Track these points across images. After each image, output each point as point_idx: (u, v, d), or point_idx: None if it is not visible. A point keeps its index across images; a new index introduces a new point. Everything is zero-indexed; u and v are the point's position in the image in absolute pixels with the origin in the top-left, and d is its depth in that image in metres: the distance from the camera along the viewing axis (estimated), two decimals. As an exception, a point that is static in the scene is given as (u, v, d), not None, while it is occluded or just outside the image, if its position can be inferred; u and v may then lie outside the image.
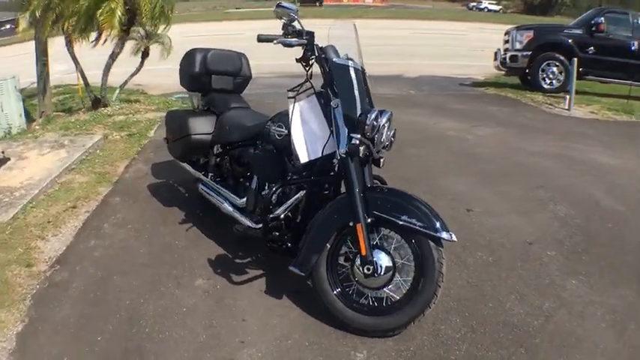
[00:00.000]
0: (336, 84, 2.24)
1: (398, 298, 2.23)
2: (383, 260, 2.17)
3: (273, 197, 2.46)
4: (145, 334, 2.24)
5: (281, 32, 2.32)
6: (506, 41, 9.37)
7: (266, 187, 2.68)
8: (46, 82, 6.50)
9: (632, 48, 8.19)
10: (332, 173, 2.41)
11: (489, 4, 55.90)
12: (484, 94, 8.82)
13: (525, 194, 3.85)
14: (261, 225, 2.55)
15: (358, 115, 2.21)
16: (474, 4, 57.18)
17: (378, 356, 2.11)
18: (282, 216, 2.42)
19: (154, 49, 6.70)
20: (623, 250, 3.04)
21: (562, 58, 8.36)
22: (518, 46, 8.86)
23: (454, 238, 2.10)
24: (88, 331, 2.27)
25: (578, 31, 8.61)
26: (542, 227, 3.29)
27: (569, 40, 8.47)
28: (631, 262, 2.90)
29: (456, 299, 2.48)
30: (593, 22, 8.50)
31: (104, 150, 4.83)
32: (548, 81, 8.59)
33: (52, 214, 3.45)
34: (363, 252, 2.14)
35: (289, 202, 2.42)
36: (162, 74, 8.32)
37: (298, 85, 2.37)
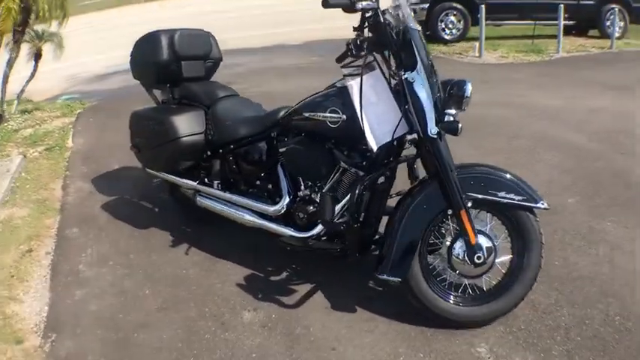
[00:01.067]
0: (416, 52, 1.87)
1: (496, 281, 2.04)
2: (484, 243, 1.94)
3: (330, 200, 2.06)
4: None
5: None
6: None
7: (302, 187, 2.25)
8: None
9: None
10: (391, 158, 2.09)
11: None
12: None
13: (507, 146, 3.86)
14: (312, 232, 2.15)
15: (449, 87, 1.90)
16: None
17: (498, 345, 1.91)
18: (341, 217, 2.05)
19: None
20: (626, 186, 3.16)
21: (459, 6, 8.60)
22: None
23: (548, 206, 1.95)
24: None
25: None
26: (543, 176, 3.31)
27: None
28: (635, 194, 3.04)
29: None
30: None
31: (29, 172, 3.90)
32: (447, 31, 8.80)
33: (9, 264, 2.66)
34: (473, 240, 1.89)
35: (346, 199, 2.06)
36: (37, 77, 7.10)
37: (347, 55, 1.95)
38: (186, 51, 2.72)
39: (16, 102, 5.59)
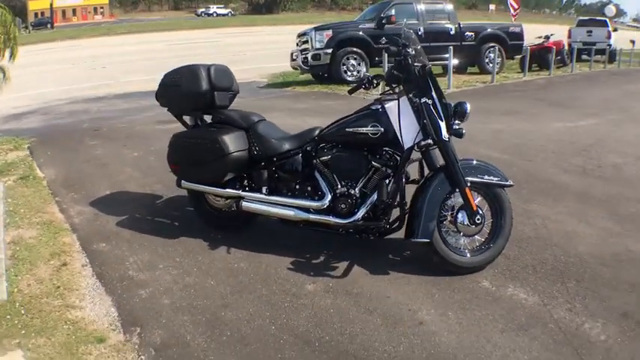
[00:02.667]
0: (431, 84, 2.74)
1: (484, 239, 2.91)
2: (480, 211, 2.82)
3: (361, 190, 2.85)
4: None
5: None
6: (305, 42, 10.38)
7: (339, 185, 2.94)
8: None
9: (420, 32, 10.19)
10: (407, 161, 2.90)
11: (218, 8, 58.17)
12: (300, 92, 9.72)
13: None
14: (355, 217, 2.85)
15: (455, 106, 2.79)
16: (203, 10, 58.88)
17: (495, 280, 2.76)
18: (383, 202, 2.80)
19: None
20: (539, 180, 4.33)
21: (359, 51, 9.89)
22: (319, 45, 9.97)
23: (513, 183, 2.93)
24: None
25: (370, 25, 10.22)
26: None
27: (362, 34, 10.02)
28: (548, 186, 4.21)
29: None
30: (383, 14, 10.14)
31: (15, 198, 3.95)
32: (349, 73, 10.03)
33: (46, 278, 2.85)
34: (474, 208, 2.77)
35: (383, 190, 2.80)
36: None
37: (358, 88, 2.89)
38: (219, 82, 3.25)
39: None
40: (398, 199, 2.89)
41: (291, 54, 11.11)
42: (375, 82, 2.88)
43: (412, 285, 2.74)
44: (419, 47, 2.85)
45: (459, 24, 11.08)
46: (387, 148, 2.88)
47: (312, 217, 2.97)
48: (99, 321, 2.52)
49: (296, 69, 11.21)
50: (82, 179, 4.47)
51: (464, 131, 2.80)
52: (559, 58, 14.12)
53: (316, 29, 10.25)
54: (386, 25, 10.08)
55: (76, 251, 3.20)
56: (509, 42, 11.74)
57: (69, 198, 4.06)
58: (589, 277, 2.77)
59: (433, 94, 2.75)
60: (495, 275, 2.82)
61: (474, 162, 2.89)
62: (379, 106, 2.86)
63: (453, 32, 10.90)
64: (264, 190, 3.12)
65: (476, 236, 2.89)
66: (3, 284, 2.70)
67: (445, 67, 9.94)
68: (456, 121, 2.80)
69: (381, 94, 2.94)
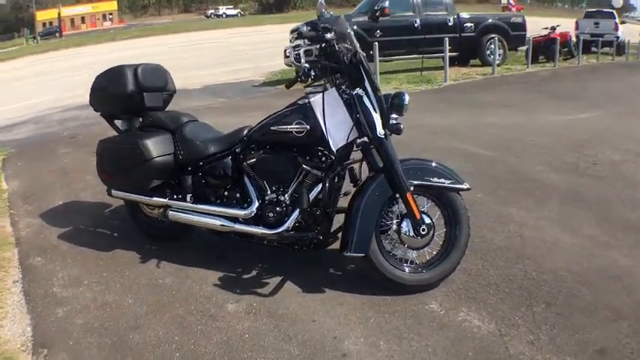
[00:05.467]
0: (364, 73, 2.36)
1: (436, 251, 2.52)
2: (426, 220, 2.44)
3: (292, 196, 2.48)
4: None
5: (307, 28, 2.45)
6: (297, 37, 10.07)
7: (268, 191, 2.62)
8: None
9: (416, 24, 9.76)
10: (344, 161, 2.54)
11: (227, 9, 58.57)
12: (297, 90, 9.39)
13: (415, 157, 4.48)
14: (282, 227, 2.52)
15: (391, 98, 2.40)
16: (212, 11, 59.43)
17: (446, 302, 2.38)
18: (305, 212, 2.47)
19: None
20: (522, 180, 3.89)
21: (354, 46, 9.49)
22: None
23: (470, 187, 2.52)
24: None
25: (364, 19, 9.83)
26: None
27: (355, 27, 9.60)
28: (533, 186, 3.76)
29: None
30: (377, 7, 9.70)
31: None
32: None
33: None
34: (417, 216, 2.38)
35: (304, 197, 2.45)
36: None
37: (296, 81, 2.44)
38: (148, 83, 2.99)
39: None
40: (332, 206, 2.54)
41: (285, 51, 10.80)
42: (312, 73, 2.49)
43: (346, 306, 2.39)
44: (347, 31, 2.49)
45: (458, 15, 10.55)
46: (320, 148, 2.51)
47: (238, 227, 2.65)
48: (13, 341, 2.32)
49: (290, 66, 10.91)
50: (41, 190, 4.30)
51: (402, 126, 2.41)
52: (566, 49, 13.59)
53: (307, 24, 9.85)
54: (380, 18, 9.66)
55: (12, 266, 3.01)
56: (512, 33, 11.17)
57: (23, 210, 3.89)
58: (563, 299, 2.36)
59: (366, 84, 2.38)
60: (448, 295, 2.43)
61: (421, 162, 2.53)
62: (306, 101, 2.51)
63: (451, 23, 10.38)
64: (188, 197, 2.83)
65: (426, 249, 2.51)
66: None
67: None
68: (394, 115, 2.41)
69: (305, 86, 2.55)
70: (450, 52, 9.35)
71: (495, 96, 7.53)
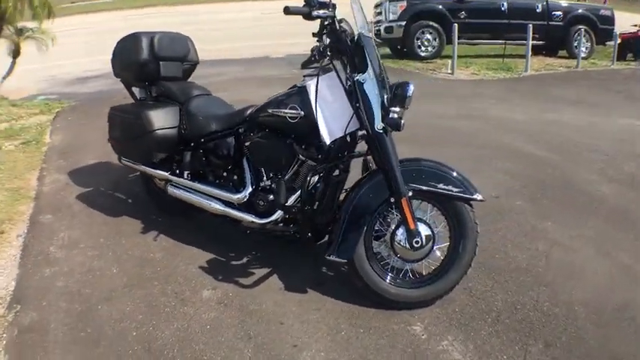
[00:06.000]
0: (367, 56, 2.08)
1: (434, 266, 2.22)
2: (424, 231, 2.13)
3: (284, 186, 2.25)
4: (178, 364, 1.92)
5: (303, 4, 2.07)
6: (379, 13, 9.68)
7: (264, 178, 2.44)
8: None
9: (503, 8, 9.00)
10: (346, 154, 2.28)
11: None
12: None
13: (467, 155, 4.08)
14: (270, 218, 2.33)
15: (393, 88, 2.10)
16: None
17: (433, 325, 2.09)
18: (297, 204, 2.25)
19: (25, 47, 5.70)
20: (572, 189, 3.40)
21: (435, 25, 8.92)
22: (392, 17, 9.19)
23: (484, 198, 2.17)
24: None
25: None
26: (497, 182, 3.54)
27: (441, 7, 9.01)
28: (580, 198, 3.28)
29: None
30: None
31: (4, 163, 4.00)
32: (423, 48, 9.12)
33: None
34: (412, 226, 2.08)
35: (282, 190, 2.24)
36: (17, 76, 7.16)
37: (312, 61, 2.16)
38: (164, 52, 2.89)
39: None
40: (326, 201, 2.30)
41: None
42: (328, 52, 2.20)
43: (322, 313, 2.17)
44: (353, 5, 2.18)
45: (547, 1, 9.51)
46: (314, 137, 2.24)
47: (229, 211, 2.50)
48: None
49: (376, 41, 10.48)
50: (79, 147, 4.42)
51: (403, 122, 2.07)
52: None
53: (390, 0, 9.43)
54: (465, -1, 8.98)
55: (22, 220, 3.11)
56: (600, 25, 9.93)
57: (54, 165, 4.02)
58: (565, 340, 1.98)
59: (369, 70, 2.08)
60: (438, 317, 2.13)
61: (428, 164, 2.21)
62: (304, 84, 2.25)
63: (539, 10, 9.39)
64: (185, 174, 2.71)
65: (425, 261, 2.22)
66: None
67: (532, 47, 8.66)
68: (394, 108, 2.09)
69: (302, 67, 2.24)
70: (536, 40, 8.52)
71: (572, 91, 6.74)
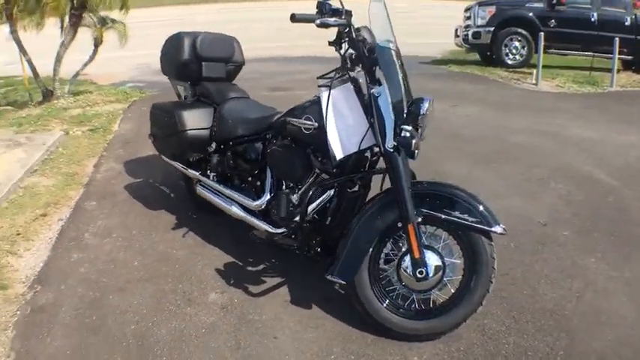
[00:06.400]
0: (381, 69, 1.98)
1: (445, 298, 2.07)
2: (432, 260, 1.99)
3: (300, 198, 2.20)
4: (164, 364, 1.95)
5: (315, 11, 1.99)
6: (468, 17, 9.32)
7: (283, 187, 2.41)
8: None
9: (593, 19, 8.34)
10: (363, 170, 2.20)
11: None
12: (450, 72, 8.75)
13: (524, 174, 3.80)
14: (283, 229, 2.30)
15: (408, 104, 1.97)
16: None
17: (444, 357, 1.94)
18: (310, 218, 2.19)
19: (109, 36, 6.11)
20: (629, 222, 3.04)
21: (524, 32, 8.44)
22: (480, 22, 8.83)
23: (506, 231, 1.97)
24: (93, 365, 1.95)
25: (539, 5, 8.65)
26: (549, 207, 3.25)
27: (531, 14, 8.51)
28: (636, 233, 2.91)
29: (491, 290, 2.35)
30: None
31: (67, 148, 4.34)
32: (511, 56, 8.67)
33: (19, 224, 3.00)
34: (416, 254, 1.94)
35: (317, 202, 2.18)
36: (110, 63, 7.70)
37: (331, 72, 2.10)
38: (206, 52, 2.95)
39: (69, 81, 6.11)
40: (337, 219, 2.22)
41: (455, 30, 10.03)
42: (344, 62, 2.07)
43: (319, 332, 2.10)
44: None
45: (636, 15, 8.61)
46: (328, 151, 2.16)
47: (248, 217, 2.49)
48: (21, 272, 2.58)
49: (459, 46, 10.13)
50: (143, 137, 4.55)
51: (415, 142, 1.92)
52: None
53: (479, 4, 9.03)
54: (556, 7, 8.34)
55: (67, 205, 3.32)
56: None
57: (114, 154, 4.26)
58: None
59: (385, 83, 1.96)
60: (437, 355, 1.96)
61: (444, 188, 2.06)
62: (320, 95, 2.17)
63: (627, 23, 8.52)
64: (212, 176, 2.75)
65: (434, 292, 2.06)
66: None
67: (621, 61, 7.91)
68: (406, 127, 1.94)
69: (319, 77, 2.13)
70: (624, 54, 7.77)
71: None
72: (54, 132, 4.58)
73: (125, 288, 2.42)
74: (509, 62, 8.61)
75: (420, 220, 1.97)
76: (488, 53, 9.12)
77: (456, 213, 1.96)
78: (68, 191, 3.51)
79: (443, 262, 2.01)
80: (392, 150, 1.96)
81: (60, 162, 4.00)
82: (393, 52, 2.01)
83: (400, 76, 2.01)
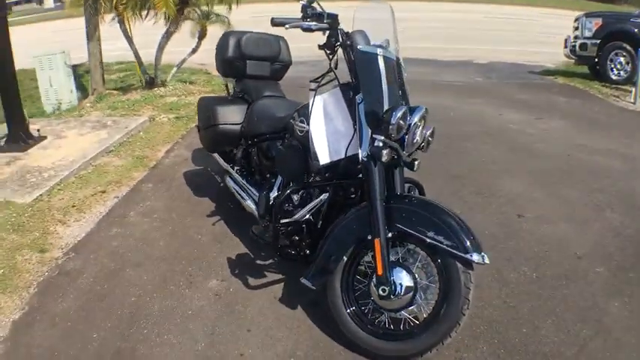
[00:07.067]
0: (358, 74, 1.97)
1: (417, 322, 1.99)
2: (403, 279, 1.93)
3: (289, 199, 2.27)
4: (143, 335, 2.15)
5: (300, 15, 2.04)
6: (576, 28, 8.71)
7: (290, 185, 2.48)
8: (98, 59, 6.45)
9: None
10: (360, 176, 2.18)
11: None
12: (553, 83, 8.15)
13: (582, 198, 3.46)
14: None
15: (383, 112, 1.93)
16: None
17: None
18: (295, 220, 2.23)
19: (217, 29, 6.57)
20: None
21: (629, 47, 7.66)
22: (587, 33, 8.21)
23: (486, 260, 1.82)
24: (86, 326, 2.22)
25: None
26: (593, 238, 2.95)
27: (636, 30, 7.71)
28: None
29: (487, 321, 2.22)
30: None
31: (148, 132, 4.79)
32: (615, 71, 7.95)
33: (78, 197, 3.42)
34: (379, 271, 1.90)
35: (310, 205, 2.22)
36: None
37: (321, 76, 2.13)
38: (250, 51, 3.11)
39: (174, 70, 6.65)
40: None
41: (565, 40, 9.27)
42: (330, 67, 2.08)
43: (290, 332, 2.16)
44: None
45: None
46: None
47: (255, 213, 2.62)
48: (64, 239, 2.97)
49: (568, 57, 9.35)
50: None
51: (385, 152, 1.86)
52: None
53: (587, 15, 8.36)
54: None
55: (127, 185, 3.69)
56: None
57: (188, 142, 4.57)
58: None
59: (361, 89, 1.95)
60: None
61: (426, 205, 1.96)
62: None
63: None
64: (235, 169, 2.91)
65: (404, 313, 1.98)
66: (40, 192, 3.39)
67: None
68: (378, 136, 1.88)
69: (311, 81, 2.14)
70: None
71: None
72: (140, 117, 5.07)
73: (142, 264, 2.68)
74: (614, 77, 7.93)
75: (390, 235, 1.92)
76: (595, 66, 8.39)
77: (431, 233, 1.85)
78: (133, 172, 3.90)
79: (415, 283, 1.94)
80: (366, 159, 1.93)
81: (136, 145, 4.46)
82: (379, 58, 1.95)
83: (385, 83, 1.94)
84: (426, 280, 1.97)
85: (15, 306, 2.34)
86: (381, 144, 1.89)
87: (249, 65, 3.14)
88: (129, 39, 6.33)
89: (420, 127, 2.01)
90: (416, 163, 2.05)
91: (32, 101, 6.54)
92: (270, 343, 2.11)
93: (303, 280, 2.09)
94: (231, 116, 2.97)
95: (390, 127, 1.86)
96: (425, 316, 1.97)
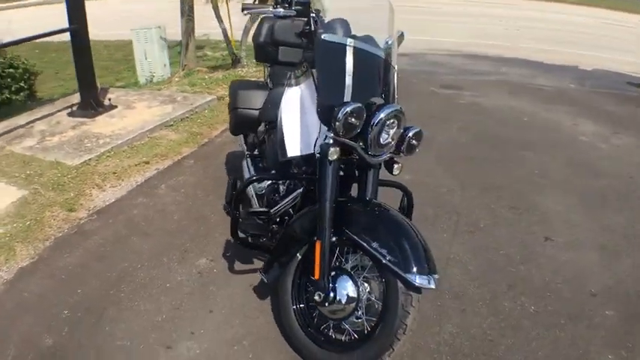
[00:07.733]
0: (317, 66, 1.87)
1: (353, 337, 1.93)
2: (348, 289, 1.87)
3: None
4: (118, 298, 2.35)
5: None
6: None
7: None
8: (190, 36, 6.79)
9: None
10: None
11: None
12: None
13: (626, 229, 3.04)
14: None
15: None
16: None
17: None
18: (280, 212, 2.23)
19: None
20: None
21: None
22: None
23: (432, 285, 1.66)
24: (76, 281, 2.46)
25: None
26: (618, 275, 2.60)
27: None
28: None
29: (451, 354, 2.07)
30: None
31: (212, 111, 5.00)
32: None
33: (123, 166, 3.71)
34: (316, 275, 1.84)
35: (290, 197, 2.22)
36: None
37: (297, 67, 2.11)
38: (282, 37, 3.14)
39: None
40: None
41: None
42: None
43: (247, 322, 2.22)
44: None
45: None
46: None
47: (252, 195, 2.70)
48: (94, 201, 3.26)
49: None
50: None
51: (333, 150, 1.76)
52: None
53: None
54: None
55: (171, 159, 3.91)
56: None
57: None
58: None
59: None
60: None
61: (386, 214, 1.84)
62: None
63: None
64: (246, 153, 2.99)
65: (345, 324, 1.92)
66: (89, 156, 3.73)
67: None
68: (328, 133, 1.78)
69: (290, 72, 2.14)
70: None
71: None
72: (209, 96, 5.30)
73: (149, 234, 2.90)
74: None
75: (334, 239, 1.86)
76: None
77: (375, 244, 1.74)
78: (183, 147, 4.14)
79: (358, 295, 1.87)
80: (318, 155, 1.86)
81: (196, 122, 4.71)
82: (347, 49, 1.79)
83: (350, 77, 1.79)
84: (371, 295, 1.89)
85: (27, 255, 2.67)
86: (331, 141, 1.80)
87: (281, 51, 3.17)
88: (219, 19, 6.66)
89: (394, 128, 1.86)
90: (395, 166, 1.95)
91: (134, 72, 7.21)
92: (223, 327, 2.19)
93: (260, 274, 2.12)
94: (252, 101, 3.03)
95: (337, 123, 1.72)
96: (366, 332, 1.89)
